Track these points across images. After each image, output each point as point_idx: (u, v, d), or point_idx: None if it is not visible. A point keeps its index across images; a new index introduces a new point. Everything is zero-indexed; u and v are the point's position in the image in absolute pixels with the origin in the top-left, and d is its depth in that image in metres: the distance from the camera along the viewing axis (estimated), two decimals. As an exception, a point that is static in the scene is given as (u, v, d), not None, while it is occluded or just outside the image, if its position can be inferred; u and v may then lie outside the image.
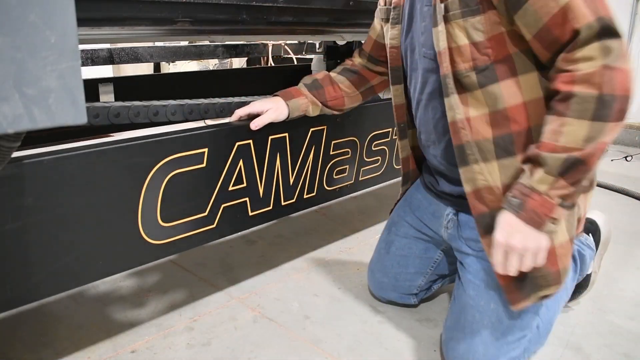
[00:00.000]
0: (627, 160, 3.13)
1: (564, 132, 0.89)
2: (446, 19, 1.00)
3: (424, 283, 1.42)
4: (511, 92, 0.99)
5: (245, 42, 2.57)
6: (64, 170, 0.99)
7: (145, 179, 1.13)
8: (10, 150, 0.70)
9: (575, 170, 0.89)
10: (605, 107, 0.86)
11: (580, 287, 1.38)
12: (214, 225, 1.29)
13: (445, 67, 1.03)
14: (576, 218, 1.10)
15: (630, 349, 1.29)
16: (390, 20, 1.25)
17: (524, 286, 1.07)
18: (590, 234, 1.36)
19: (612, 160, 3.11)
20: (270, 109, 1.28)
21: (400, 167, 1.45)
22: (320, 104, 1.37)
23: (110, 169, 1.07)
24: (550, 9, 0.88)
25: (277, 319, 1.39)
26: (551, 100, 0.94)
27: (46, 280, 1.02)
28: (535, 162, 0.93)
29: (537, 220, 0.93)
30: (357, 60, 1.45)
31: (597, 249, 1.37)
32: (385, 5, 1.29)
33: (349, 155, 1.62)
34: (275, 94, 1.34)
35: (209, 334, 1.32)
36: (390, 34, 1.25)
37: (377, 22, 1.37)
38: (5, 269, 0.96)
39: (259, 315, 1.41)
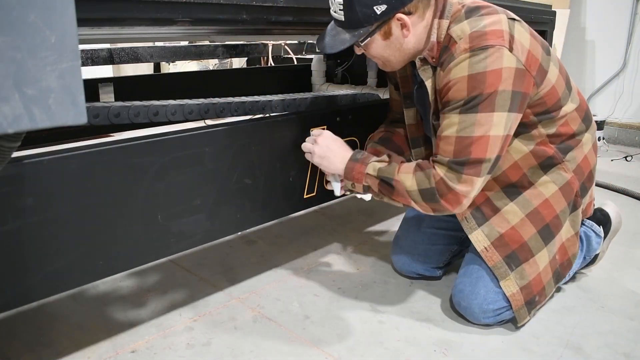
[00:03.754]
0: (627, 160, 3.13)
1: (408, 175, 1.22)
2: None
3: (450, 257, 1.57)
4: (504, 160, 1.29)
5: (245, 42, 2.57)
6: (64, 170, 0.99)
7: (145, 179, 1.13)
8: (10, 150, 0.69)
9: (385, 188, 1.25)
10: (428, 197, 1.21)
11: (589, 264, 1.58)
12: (214, 225, 1.29)
13: None
14: (559, 244, 1.36)
15: (631, 349, 1.29)
16: (404, 103, 1.45)
17: (525, 307, 1.32)
18: (601, 225, 1.52)
19: (612, 160, 3.11)
20: None
21: None
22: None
23: (110, 169, 1.07)
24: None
25: (277, 319, 1.39)
26: None
27: (46, 280, 1.02)
28: (389, 161, 1.27)
29: (350, 170, 1.29)
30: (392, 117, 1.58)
31: (606, 235, 1.55)
32: (396, 83, 1.46)
33: (349, 155, 1.62)
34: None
35: (209, 334, 1.32)
36: (406, 116, 1.46)
37: (392, 89, 1.54)
38: (5, 268, 0.96)
39: (259, 315, 1.41)
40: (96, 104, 1.06)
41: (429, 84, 1.25)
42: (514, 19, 1.20)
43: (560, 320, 1.40)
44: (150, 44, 2.48)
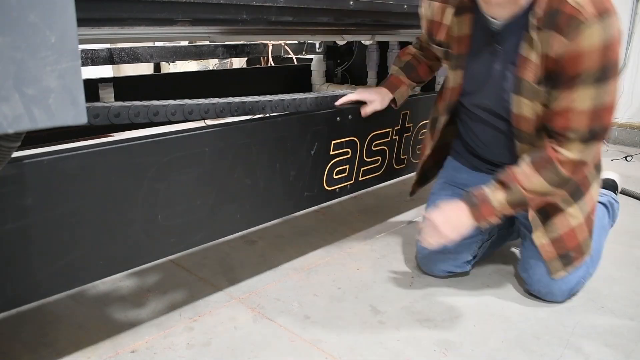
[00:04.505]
0: (627, 160, 3.13)
1: (533, 182, 1.24)
2: (521, 92, 1.25)
3: (478, 249, 1.58)
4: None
5: (245, 42, 2.57)
6: (64, 170, 0.99)
7: (145, 179, 1.13)
8: (10, 150, 0.70)
9: (520, 205, 1.28)
10: (563, 186, 1.25)
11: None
12: (214, 225, 1.29)
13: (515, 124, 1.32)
14: (590, 203, 1.38)
15: (631, 349, 1.29)
16: (453, 65, 1.40)
17: (559, 260, 1.39)
18: (616, 191, 1.75)
19: (612, 160, 3.11)
20: (376, 100, 1.54)
21: (405, 162, 1.71)
22: (415, 84, 1.63)
23: (110, 169, 1.07)
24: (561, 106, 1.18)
25: (277, 319, 1.39)
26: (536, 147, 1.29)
27: (46, 280, 1.02)
28: (505, 186, 1.27)
29: (478, 216, 1.29)
30: (416, 47, 1.64)
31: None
32: (440, 43, 1.41)
33: (349, 155, 1.62)
34: (380, 85, 1.60)
35: (209, 334, 1.32)
36: (451, 78, 1.43)
37: (426, 38, 1.49)
38: (6, 268, 0.96)
39: (259, 315, 1.41)
40: (96, 104, 1.06)
41: (533, 54, 1.17)
42: None
43: (560, 320, 1.40)
44: (150, 44, 2.48)
